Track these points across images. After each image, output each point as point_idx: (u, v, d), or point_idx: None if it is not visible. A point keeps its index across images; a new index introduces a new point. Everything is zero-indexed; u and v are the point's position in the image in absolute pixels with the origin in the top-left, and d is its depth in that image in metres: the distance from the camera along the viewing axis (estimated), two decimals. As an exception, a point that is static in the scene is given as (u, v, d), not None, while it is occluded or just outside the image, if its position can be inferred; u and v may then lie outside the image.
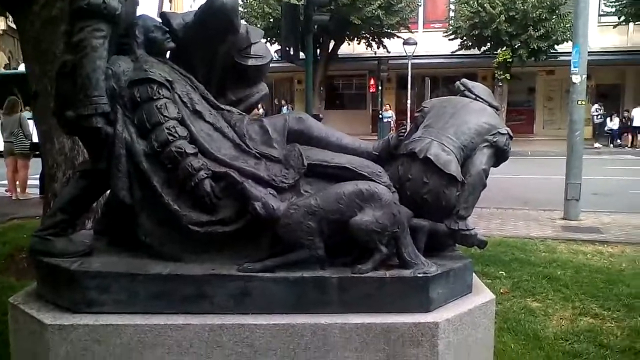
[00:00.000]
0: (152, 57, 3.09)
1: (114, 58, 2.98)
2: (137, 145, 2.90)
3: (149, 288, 2.83)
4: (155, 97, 2.92)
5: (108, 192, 3.12)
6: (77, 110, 2.86)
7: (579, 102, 9.07)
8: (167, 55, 3.28)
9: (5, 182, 12.40)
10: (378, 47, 26.75)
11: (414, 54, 24.87)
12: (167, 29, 3.20)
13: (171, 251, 2.96)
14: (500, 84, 24.56)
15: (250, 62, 3.39)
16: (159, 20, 3.31)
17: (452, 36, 25.48)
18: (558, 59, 22.47)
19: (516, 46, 23.38)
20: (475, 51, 25.42)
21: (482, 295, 3.18)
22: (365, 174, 2.99)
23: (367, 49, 27.00)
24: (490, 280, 5.34)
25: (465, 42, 25.29)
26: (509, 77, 24.68)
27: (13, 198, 11.78)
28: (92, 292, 2.82)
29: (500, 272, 5.79)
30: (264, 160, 3.02)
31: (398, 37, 25.74)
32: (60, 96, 3.00)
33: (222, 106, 3.22)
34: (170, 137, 2.87)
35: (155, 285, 2.83)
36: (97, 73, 2.82)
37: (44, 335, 2.80)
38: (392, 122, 25.87)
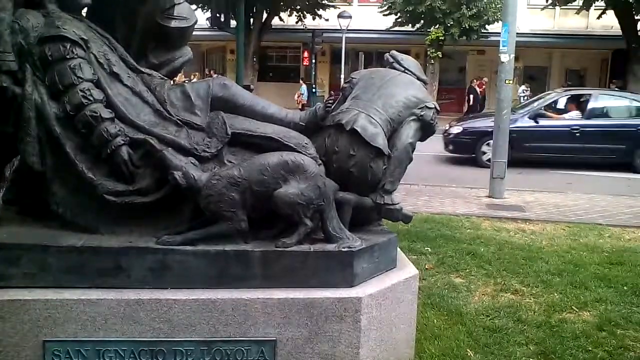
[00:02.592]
0: (65, 12, 2.89)
1: (21, 11, 2.76)
2: (49, 107, 2.73)
3: (61, 260, 2.69)
4: (68, 57, 2.74)
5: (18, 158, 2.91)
6: None
7: (507, 82, 9.26)
8: (84, 12, 3.08)
9: None
10: (313, 19, 26.48)
11: (349, 28, 24.79)
12: None
13: (86, 222, 2.82)
14: (432, 62, 24.89)
15: (174, 23, 3.24)
16: None
17: (387, 12, 25.54)
18: (489, 39, 22.91)
19: (449, 24, 23.69)
20: (409, 28, 25.60)
21: (406, 271, 3.20)
22: (291, 144, 2.92)
23: (296, 22, 26.67)
24: (416, 256, 5.39)
25: (400, 19, 25.41)
26: (440, 55, 25.04)
27: None
28: (-2, 264, 2.65)
29: (426, 248, 5.87)
30: (186, 127, 2.90)
31: (334, 7, 25.55)
32: None
33: (142, 69, 3.07)
34: (84, 100, 2.71)
35: (68, 258, 2.70)
36: (0, 26, 2.60)
37: (-58, 311, 2.61)
38: (306, 97, 25.65)
